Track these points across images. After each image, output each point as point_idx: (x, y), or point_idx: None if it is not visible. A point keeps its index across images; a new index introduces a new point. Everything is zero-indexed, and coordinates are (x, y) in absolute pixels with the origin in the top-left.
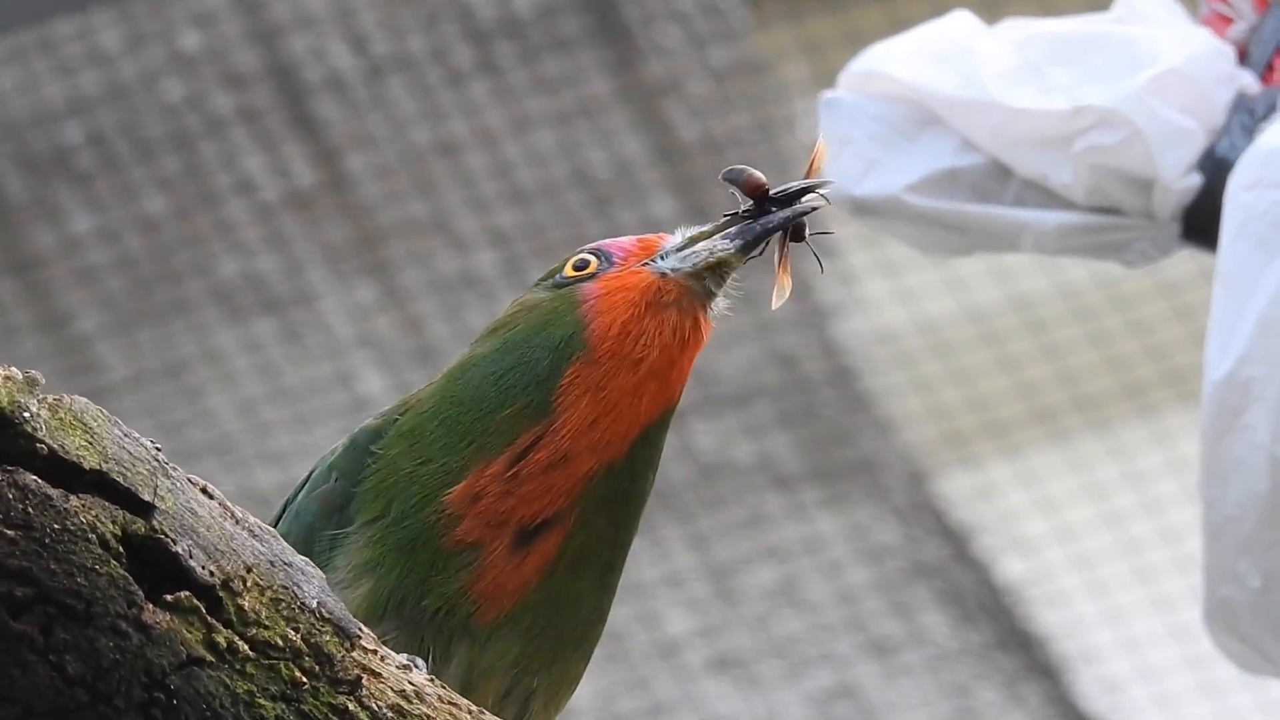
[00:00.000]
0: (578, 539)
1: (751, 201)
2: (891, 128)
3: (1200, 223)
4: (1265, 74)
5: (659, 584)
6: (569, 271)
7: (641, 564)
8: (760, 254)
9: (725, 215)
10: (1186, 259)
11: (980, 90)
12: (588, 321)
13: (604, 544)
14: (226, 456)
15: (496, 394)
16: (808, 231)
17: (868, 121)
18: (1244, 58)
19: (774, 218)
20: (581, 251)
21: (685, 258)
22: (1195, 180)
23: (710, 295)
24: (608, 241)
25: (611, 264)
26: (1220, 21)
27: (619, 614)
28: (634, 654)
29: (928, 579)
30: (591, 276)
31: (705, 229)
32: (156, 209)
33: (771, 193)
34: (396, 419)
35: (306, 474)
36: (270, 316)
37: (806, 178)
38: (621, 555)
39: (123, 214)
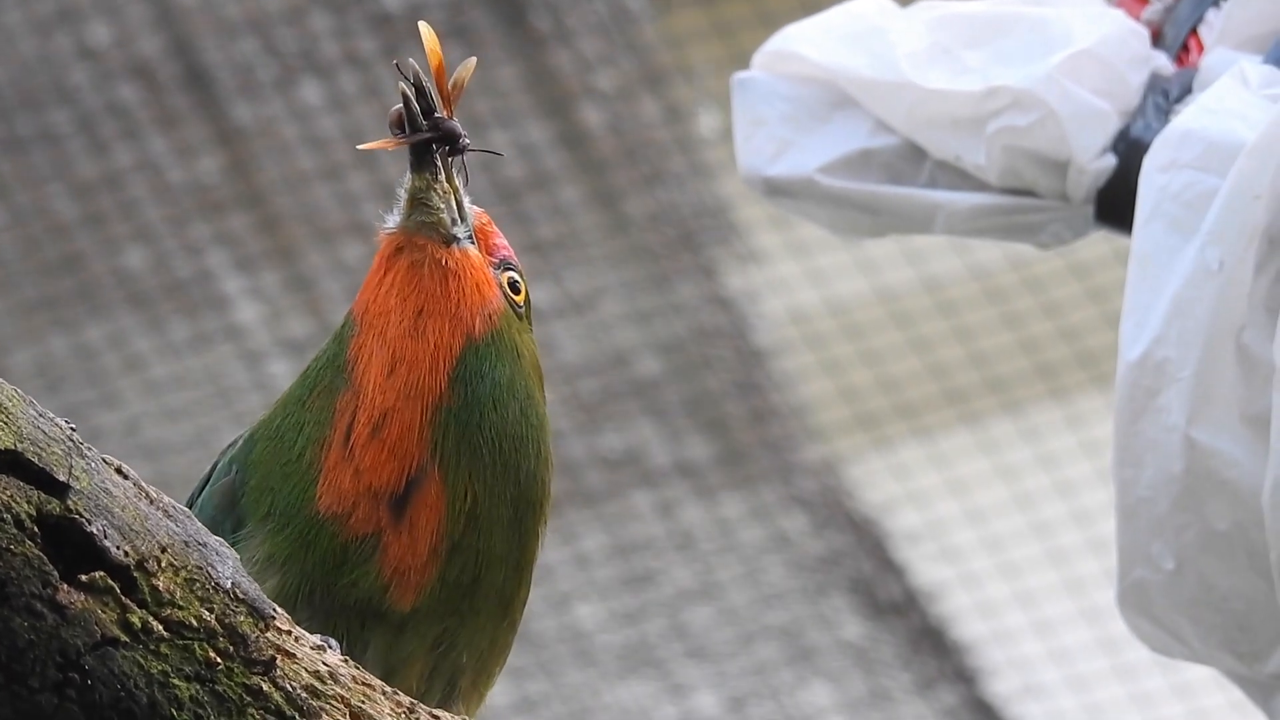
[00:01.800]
0: (461, 488)
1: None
2: (804, 109)
3: (1114, 204)
4: (1180, 55)
5: (569, 574)
6: None
7: (549, 552)
8: (435, 164)
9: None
10: (1100, 240)
11: (893, 71)
12: (357, 306)
13: (497, 494)
14: (135, 440)
15: (305, 384)
16: (463, 143)
17: (780, 102)
18: (1158, 39)
19: (429, 138)
20: None
21: (397, 209)
22: (1109, 161)
23: (428, 224)
24: None
25: None
26: (1135, 3)
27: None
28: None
29: (835, 564)
30: None
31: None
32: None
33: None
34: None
35: (211, 465)
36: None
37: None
38: (528, 509)
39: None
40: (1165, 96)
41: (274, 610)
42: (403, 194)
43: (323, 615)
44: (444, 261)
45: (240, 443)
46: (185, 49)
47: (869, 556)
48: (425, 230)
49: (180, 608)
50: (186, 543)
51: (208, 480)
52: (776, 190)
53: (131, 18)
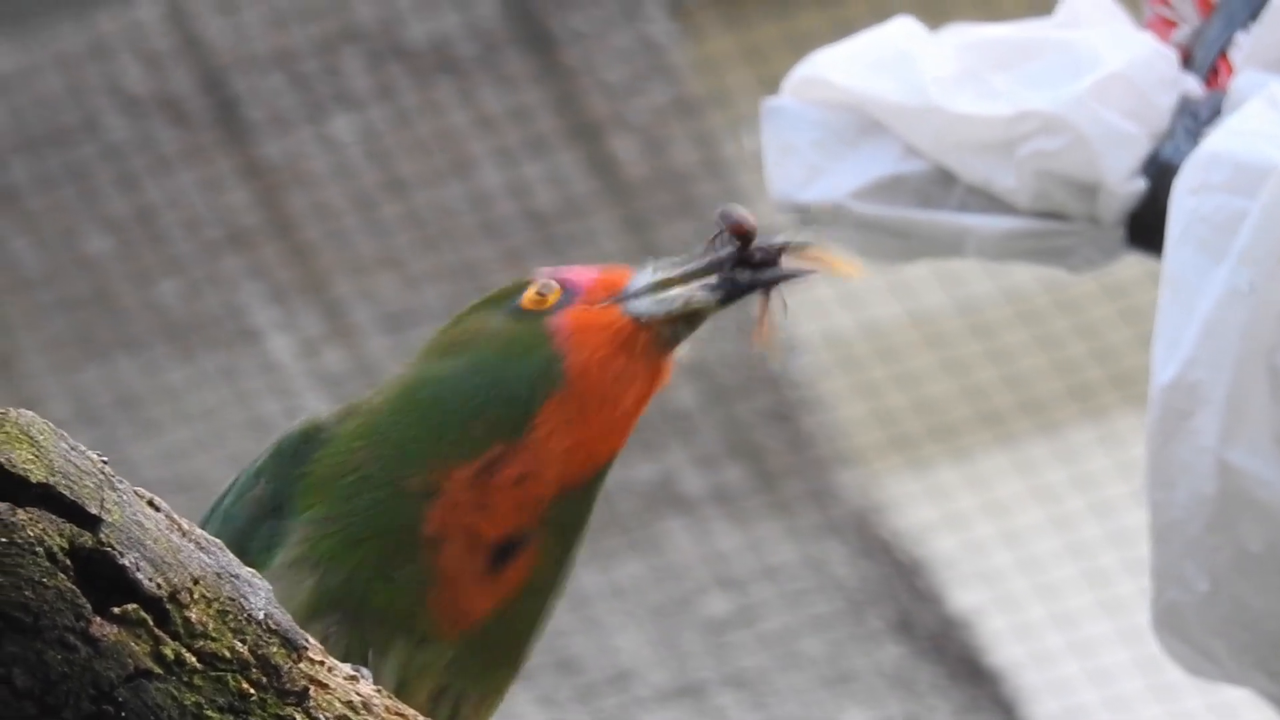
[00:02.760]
0: (546, 561)
1: (731, 244)
2: (834, 134)
3: (1145, 227)
4: (1209, 78)
5: (606, 602)
6: (530, 300)
7: (590, 583)
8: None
9: (699, 256)
10: (1135, 261)
11: (921, 96)
12: (564, 356)
13: (557, 568)
14: (169, 470)
15: (470, 405)
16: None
17: (810, 129)
18: (1188, 62)
19: (763, 276)
20: (541, 278)
21: (660, 302)
22: (1139, 184)
23: (679, 340)
24: (567, 270)
25: (574, 297)
26: (1164, 26)
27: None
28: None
29: (872, 590)
30: (556, 309)
31: (676, 271)
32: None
33: (755, 243)
34: (336, 421)
35: (230, 483)
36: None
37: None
38: (566, 580)
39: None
40: (1195, 119)
41: (306, 640)
42: (680, 300)
43: (351, 622)
44: (662, 379)
45: (267, 455)
46: (215, 84)
47: (905, 582)
48: (674, 344)
49: (213, 639)
50: (219, 574)
51: (226, 494)
52: (809, 216)
53: (160, 52)
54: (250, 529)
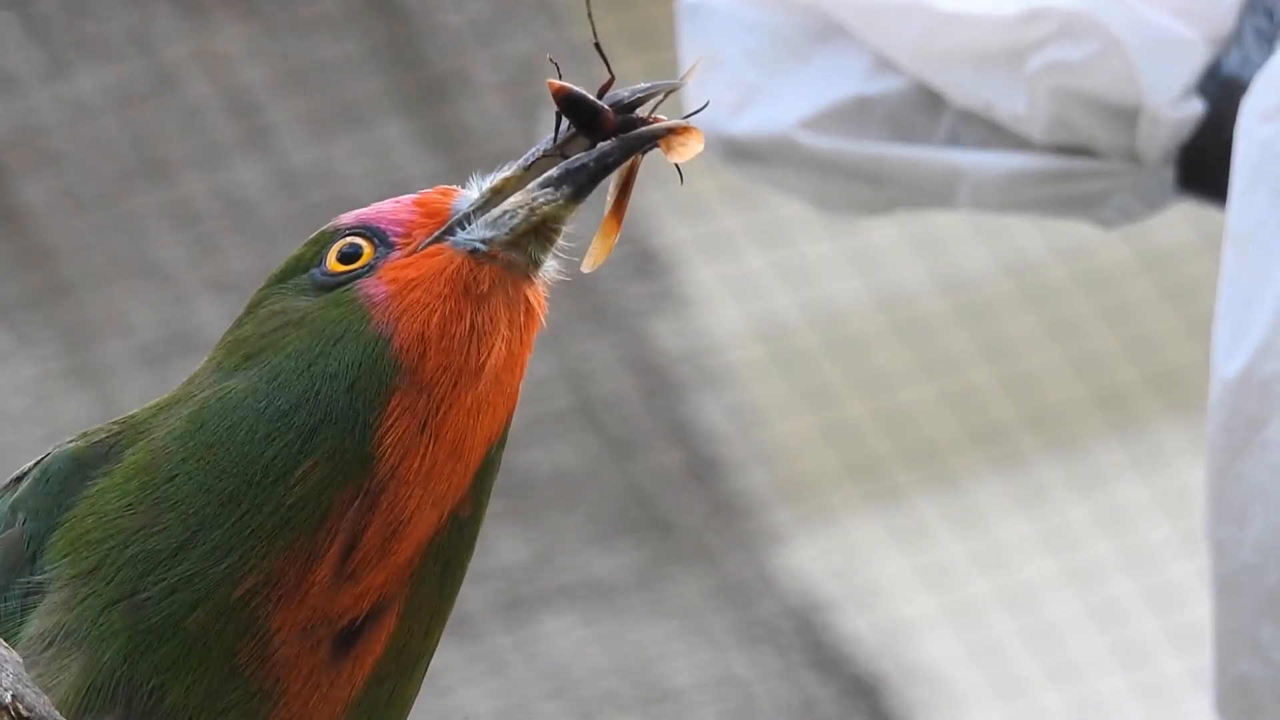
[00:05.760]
0: (408, 630)
1: (574, 126)
2: (778, 43)
3: (1202, 166)
4: None
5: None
6: (333, 264)
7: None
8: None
9: (538, 148)
10: (1181, 219)
11: None
12: (390, 334)
13: (430, 638)
14: None
15: (283, 449)
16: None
17: (745, 35)
18: None
19: (612, 146)
20: (344, 232)
21: (496, 221)
22: (1195, 107)
23: (538, 264)
24: (373, 211)
25: (390, 246)
26: None
27: None
28: None
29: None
30: (369, 270)
31: (510, 172)
32: None
33: (607, 109)
34: (115, 445)
35: None
36: None
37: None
38: (438, 635)
39: None
40: (1270, 18)
41: None
42: (522, 211)
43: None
44: (532, 320)
45: (28, 483)
46: None
47: (869, 704)
48: (533, 270)
49: None
50: None
51: None
52: (741, 153)
53: None
54: (4, 582)
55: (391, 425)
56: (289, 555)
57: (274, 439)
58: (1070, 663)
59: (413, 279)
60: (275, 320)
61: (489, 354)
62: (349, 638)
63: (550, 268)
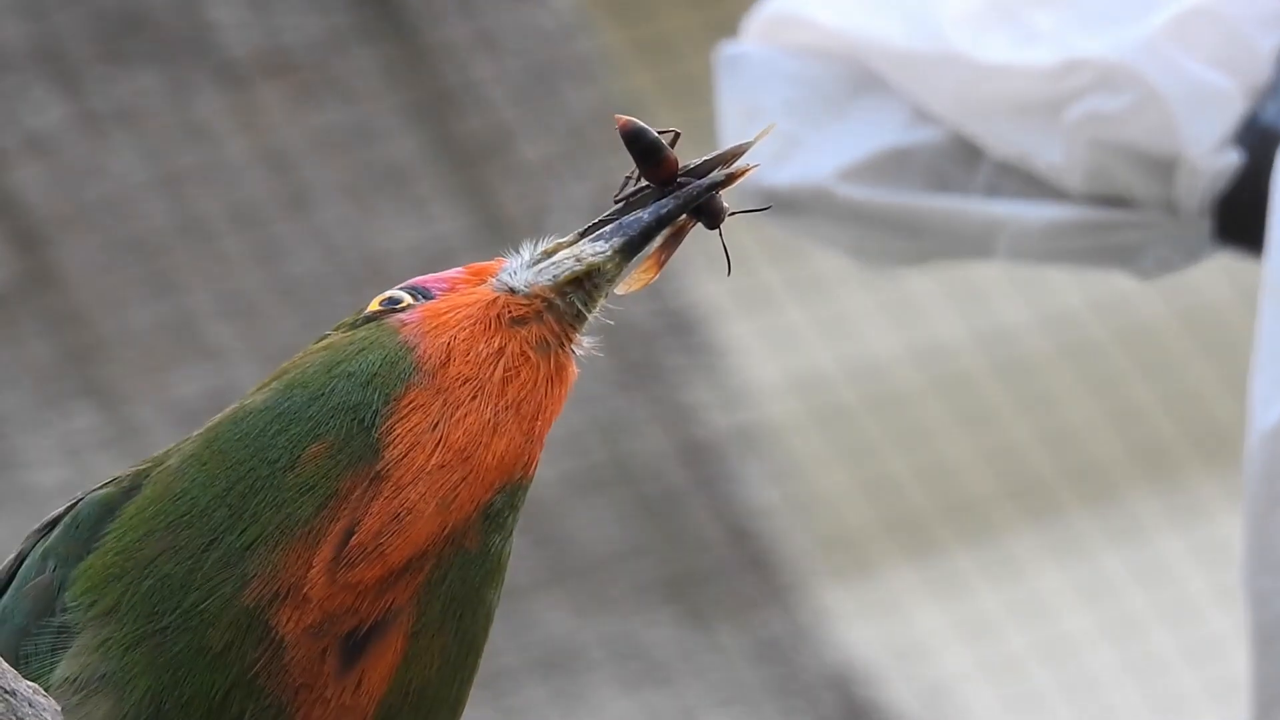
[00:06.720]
0: (423, 652)
1: (636, 164)
2: (816, 93)
3: (1240, 217)
4: None
5: None
6: (373, 307)
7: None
8: (645, 247)
9: (598, 219)
10: (1219, 272)
11: (937, 40)
12: (415, 344)
13: (445, 668)
14: None
15: (294, 435)
16: (726, 213)
17: (784, 85)
18: None
19: (669, 202)
20: (391, 290)
21: (541, 270)
22: (1232, 158)
23: (578, 319)
24: (424, 277)
25: (432, 297)
26: None
27: None
28: None
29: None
30: (407, 308)
31: (565, 238)
32: None
33: (669, 149)
34: (136, 484)
35: (11, 563)
36: None
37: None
38: (461, 687)
39: None
40: None
41: None
42: (568, 261)
43: None
44: (565, 371)
45: (59, 530)
46: None
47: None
48: (570, 324)
49: None
50: None
51: (8, 582)
52: (779, 204)
53: None
54: (32, 631)
55: (403, 417)
56: (294, 546)
57: (286, 429)
58: (1108, 715)
59: (447, 307)
60: (305, 353)
61: (513, 380)
62: (356, 647)
63: (592, 322)
